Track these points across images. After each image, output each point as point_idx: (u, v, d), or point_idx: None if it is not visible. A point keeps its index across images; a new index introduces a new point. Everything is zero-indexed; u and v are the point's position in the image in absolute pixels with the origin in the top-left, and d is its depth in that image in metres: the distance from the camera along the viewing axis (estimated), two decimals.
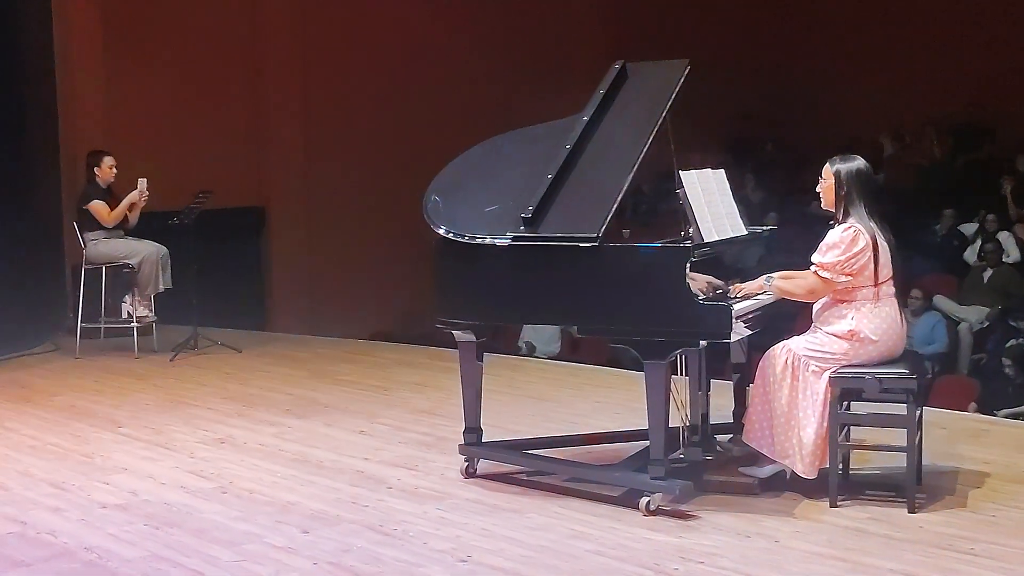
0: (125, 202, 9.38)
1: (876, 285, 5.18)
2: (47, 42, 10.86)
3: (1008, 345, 10.13)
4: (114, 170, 9.49)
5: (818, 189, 5.38)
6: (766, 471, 5.39)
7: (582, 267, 5.15)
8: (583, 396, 7.79)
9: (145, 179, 9.38)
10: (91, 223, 9.38)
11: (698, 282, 5.11)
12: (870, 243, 5.14)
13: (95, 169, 9.47)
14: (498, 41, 14.69)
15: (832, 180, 5.28)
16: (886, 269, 5.20)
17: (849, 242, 5.14)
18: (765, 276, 5.36)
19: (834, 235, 5.19)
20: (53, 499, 5.57)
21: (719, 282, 5.34)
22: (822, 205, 5.40)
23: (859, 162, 5.30)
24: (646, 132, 5.37)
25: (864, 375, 5.14)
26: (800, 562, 4.57)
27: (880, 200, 5.39)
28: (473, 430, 5.75)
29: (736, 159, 14.67)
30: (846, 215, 5.22)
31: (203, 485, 5.78)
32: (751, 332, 5.40)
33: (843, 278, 5.15)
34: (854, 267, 5.14)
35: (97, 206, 9.34)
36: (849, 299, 5.20)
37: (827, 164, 5.33)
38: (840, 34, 15.94)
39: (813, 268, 5.20)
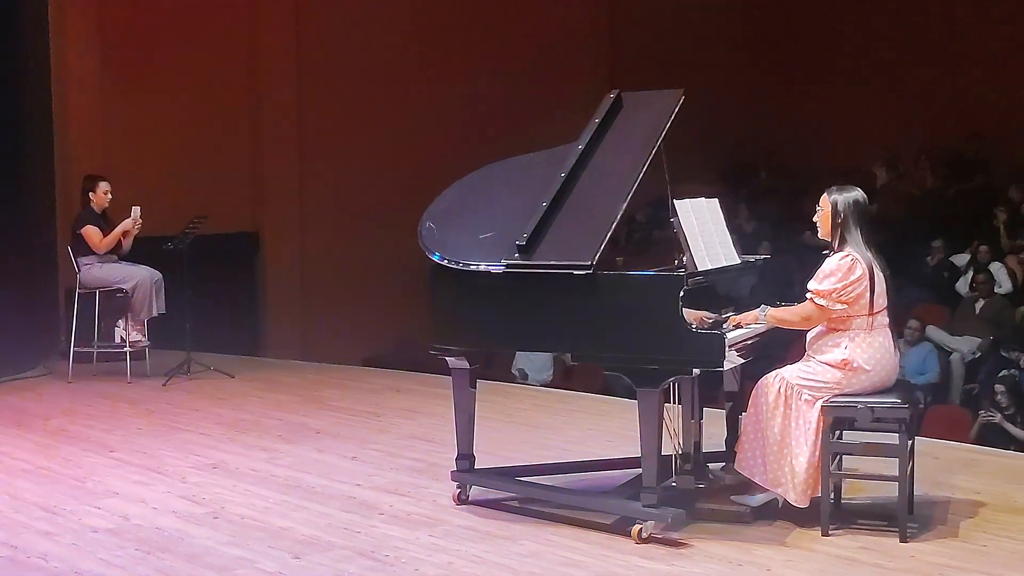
0: (118, 229, 9.36)
1: (871, 315, 5.19)
2: (44, 67, 10.89)
3: (1000, 375, 10.13)
4: (109, 195, 9.48)
5: (815, 219, 5.40)
6: (758, 499, 5.40)
7: (576, 294, 5.17)
8: (576, 423, 7.79)
9: (139, 207, 9.37)
10: (85, 247, 9.36)
11: (692, 316, 5.11)
12: (866, 272, 5.16)
13: (90, 194, 9.46)
14: (494, 69, 14.73)
15: (829, 209, 5.30)
16: (881, 299, 5.22)
17: (846, 270, 5.16)
18: (760, 308, 5.39)
19: (831, 263, 5.21)
20: (45, 523, 5.55)
21: (713, 316, 5.35)
22: (819, 234, 5.42)
23: (856, 192, 5.32)
24: (640, 161, 5.39)
25: (857, 404, 5.16)
26: None
27: (874, 230, 5.41)
28: (466, 456, 5.75)
29: (730, 188, 14.72)
30: (842, 244, 5.24)
31: (195, 510, 5.77)
32: (744, 360, 5.43)
33: (839, 306, 5.16)
34: (850, 295, 5.15)
35: (90, 231, 9.32)
36: (843, 328, 5.21)
37: (825, 194, 5.36)
38: (835, 64, 16.00)
39: (809, 295, 5.22)
